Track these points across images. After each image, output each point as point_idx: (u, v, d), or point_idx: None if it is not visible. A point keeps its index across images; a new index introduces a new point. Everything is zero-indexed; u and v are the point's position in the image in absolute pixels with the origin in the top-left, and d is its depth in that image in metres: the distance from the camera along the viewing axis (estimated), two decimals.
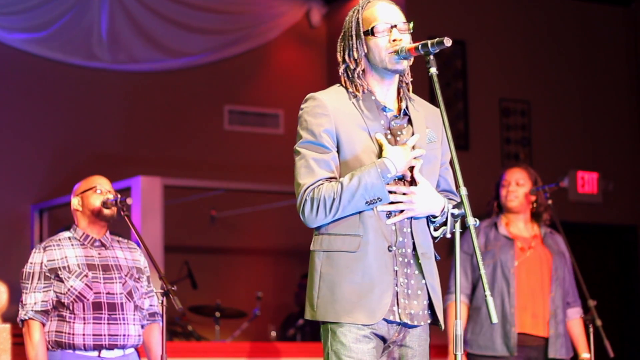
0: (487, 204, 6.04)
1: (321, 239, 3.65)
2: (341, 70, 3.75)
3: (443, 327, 3.77)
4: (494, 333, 5.74)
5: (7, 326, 2.68)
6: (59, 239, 5.13)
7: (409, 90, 3.79)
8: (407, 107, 3.74)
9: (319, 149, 3.63)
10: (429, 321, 3.73)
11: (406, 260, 3.66)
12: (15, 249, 9.27)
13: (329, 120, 3.63)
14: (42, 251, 5.06)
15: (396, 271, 3.63)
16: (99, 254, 5.13)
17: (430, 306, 3.72)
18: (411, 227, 3.67)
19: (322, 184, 3.58)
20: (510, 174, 5.94)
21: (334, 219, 3.59)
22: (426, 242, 3.71)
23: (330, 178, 3.60)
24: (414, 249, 3.68)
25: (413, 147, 3.65)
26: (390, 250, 3.62)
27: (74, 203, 5.22)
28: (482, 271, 3.42)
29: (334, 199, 3.54)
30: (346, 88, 3.72)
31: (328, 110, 3.64)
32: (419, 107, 3.78)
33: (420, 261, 3.67)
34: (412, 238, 3.67)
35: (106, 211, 5.14)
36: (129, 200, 5.12)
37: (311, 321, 3.71)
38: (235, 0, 10.22)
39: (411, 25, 3.71)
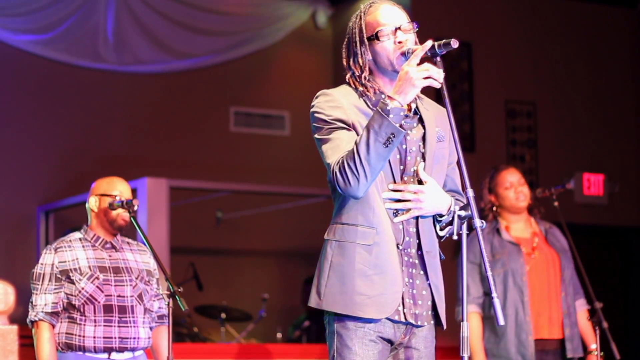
0: (483, 210, 5.97)
1: (335, 228, 3.65)
2: (347, 76, 3.75)
3: (445, 327, 3.76)
4: (508, 342, 5.70)
5: (15, 327, 2.68)
6: (70, 240, 5.12)
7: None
8: (417, 107, 3.74)
9: (338, 131, 3.61)
10: (432, 322, 3.73)
11: (411, 260, 3.66)
12: (21, 250, 9.29)
13: (343, 112, 3.63)
14: (53, 252, 5.05)
15: (402, 270, 3.64)
16: (110, 256, 5.12)
17: (434, 307, 3.72)
18: (417, 227, 3.68)
19: (343, 155, 3.56)
20: (509, 175, 5.91)
21: (370, 179, 3.52)
22: (431, 242, 3.71)
23: None
24: (419, 248, 3.68)
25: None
26: (398, 248, 3.62)
27: (91, 202, 5.19)
28: (489, 273, 3.42)
29: (354, 159, 3.50)
30: (355, 88, 3.72)
31: (342, 104, 3.65)
32: (428, 107, 3.79)
33: (425, 260, 3.67)
34: (418, 238, 3.67)
35: (120, 221, 5.12)
36: (135, 202, 5.10)
37: (316, 323, 3.70)
38: (241, 1, 10.22)
39: (415, 25, 3.71)
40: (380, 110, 3.49)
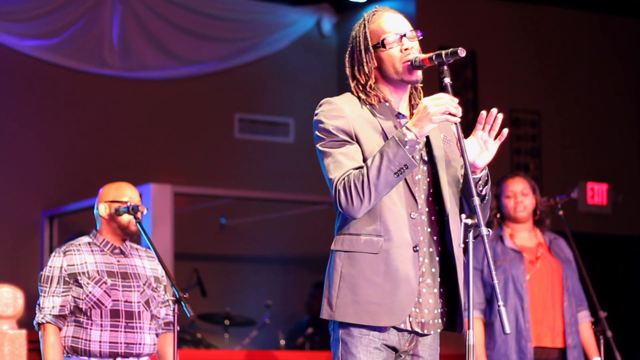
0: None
1: (343, 239, 3.65)
2: (352, 85, 3.75)
3: (462, 330, 3.75)
4: (508, 349, 5.71)
5: (23, 332, 2.69)
6: (79, 244, 5.12)
7: (419, 97, 3.79)
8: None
9: (342, 144, 3.62)
10: (439, 330, 3.73)
11: (422, 268, 3.65)
12: (25, 255, 9.29)
13: (346, 122, 3.63)
14: (62, 255, 5.05)
15: (416, 273, 3.62)
16: (118, 261, 5.12)
17: (449, 311, 3.71)
18: (439, 228, 3.68)
19: (350, 173, 3.57)
20: (513, 184, 5.91)
21: (373, 203, 3.55)
22: (456, 243, 3.67)
23: (358, 168, 3.59)
24: (433, 256, 3.67)
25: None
26: (415, 251, 3.62)
27: (100, 209, 5.18)
28: (495, 281, 3.42)
29: (362, 181, 3.52)
30: (358, 97, 3.72)
31: (345, 113, 3.65)
32: None
33: (448, 263, 3.67)
34: (433, 240, 3.66)
35: (133, 227, 5.11)
36: (141, 208, 5.09)
37: (320, 329, 3.70)
38: (247, 9, 10.23)
39: (419, 33, 3.71)
40: (397, 139, 3.51)
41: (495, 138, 3.69)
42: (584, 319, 5.95)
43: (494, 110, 3.65)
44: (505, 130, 3.68)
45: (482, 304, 5.78)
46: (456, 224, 3.65)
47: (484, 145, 3.67)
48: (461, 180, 3.75)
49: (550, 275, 5.84)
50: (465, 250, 3.50)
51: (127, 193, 5.18)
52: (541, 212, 5.95)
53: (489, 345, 5.77)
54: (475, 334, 5.63)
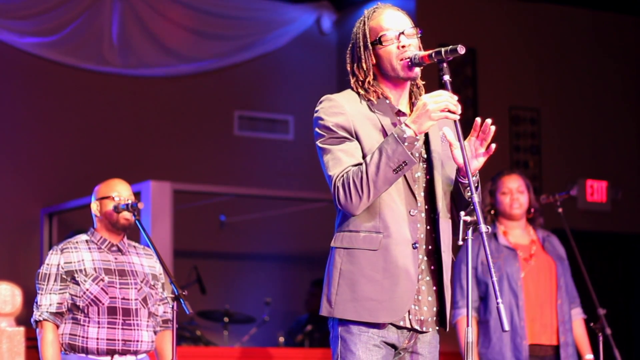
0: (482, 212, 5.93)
1: (342, 236, 3.65)
2: (352, 81, 3.75)
3: (448, 328, 3.76)
4: (503, 347, 5.70)
5: (21, 329, 2.69)
6: (77, 242, 5.13)
7: (420, 94, 3.79)
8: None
9: (341, 141, 3.62)
10: (437, 327, 3.74)
11: (421, 266, 3.66)
12: (24, 252, 9.30)
13: (346, 119, 3.64)
14: (59, 253, 5.06)
15: (416, 270, 3.62)
16: (116, 259, 5.13)
17: (440, 310, 3.72)
18: (433, 226, 3.68)
19: (349, 170, 3.57)
20: (509, 181, 5.90)
21: (371, 199, 3.55)
22: (447, 241, 3.69)
23: (357, 165, 3.59)
24: (431, 253, 3.68)
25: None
26: (414, 248, 3.62)
27: (93, 207, 5.20)
28: (494, 278, 3.42)
29: (361, 178, 3.52)
30: (358, 93, 3.73)
31: (345, 110, 3.65)
32: None
33: (440, 260, 3.67)
34: (433, 239, 3.67)
35: (122, 221, 5.12)
36: (140, 205, 5.11)
37: (320, 327, 3.70)
38: (246, 6, 10.24)
39: (418, 30, 3.71)
40: (396, 135, 3.51)
41: (487, 149, 3.67)
42: (577, 316, 5.95)
43: (489, 121, 3.64)
44: (493, 146, 3.66)
45: (476, 302, 5.78)
46: (446, 223, 3.68)
47: (474, 153, 3.66)
48: (453, 179, 3.74)
49: (545, 273, 5.84)
50: (462, 248, 3.51)
51: (116, 188, 5.19)
52: (535, 209, 5.95)
53: (484, 344, 5.77)
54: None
